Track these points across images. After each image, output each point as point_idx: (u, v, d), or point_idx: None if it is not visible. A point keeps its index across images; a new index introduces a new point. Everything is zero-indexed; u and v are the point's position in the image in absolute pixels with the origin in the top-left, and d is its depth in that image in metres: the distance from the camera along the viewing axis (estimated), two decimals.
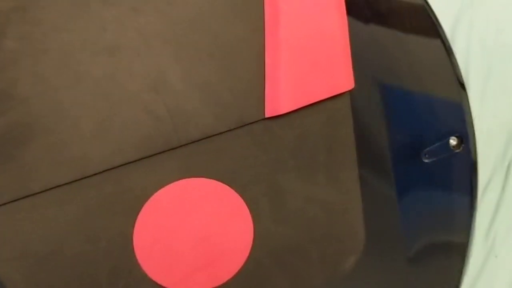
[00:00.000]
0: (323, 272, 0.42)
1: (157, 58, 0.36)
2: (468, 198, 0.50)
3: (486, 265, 0.67)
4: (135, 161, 0.37)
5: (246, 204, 0.39)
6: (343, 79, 0.39)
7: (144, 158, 0.37)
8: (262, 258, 0.40)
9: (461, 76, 0.49)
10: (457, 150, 0.47)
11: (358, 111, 0.43)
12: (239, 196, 0.39)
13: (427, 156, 0.47)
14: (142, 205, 0.37)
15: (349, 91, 0.40)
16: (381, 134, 0.48)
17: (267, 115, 0.38)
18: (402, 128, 0.48)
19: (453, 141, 0.48)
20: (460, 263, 0.52)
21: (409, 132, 0.49)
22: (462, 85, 0.49)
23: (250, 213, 0.40)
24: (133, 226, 0.37)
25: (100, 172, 0.36)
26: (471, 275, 0.66)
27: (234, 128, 0.38)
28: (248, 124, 0.38)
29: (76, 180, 0.36)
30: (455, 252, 0.52)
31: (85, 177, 0.36)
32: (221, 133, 0.38)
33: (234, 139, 0.38)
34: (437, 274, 0.52)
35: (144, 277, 0.38)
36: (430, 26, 0.51)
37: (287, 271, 0.41)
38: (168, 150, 0.37)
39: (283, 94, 0.38)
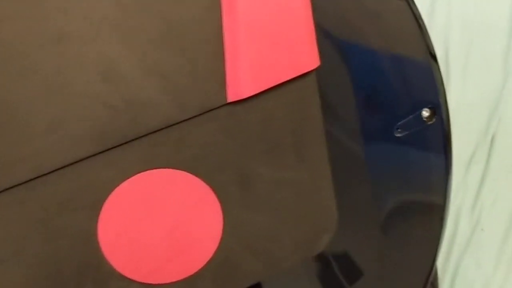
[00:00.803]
0: (297, 253, 0.41)
1: (107, 45, 0.34)
2: (442, 168, 0.49)
3: (472, 238, 0.66)
4: (93, 155, 0.35)
5: (214, 192, 0.38)
6: (307, 58, 0.38)
7: (102, 152, 0.35)
8: (233, 245, 0.39)
9: (432, 48, 0.47)
10: (430, 122, 0.46)
11: (325, 88, 0.41)
12: (206, 185, 0.38)
13: (399, 130, 0.46)
14: (105, 200, 0.36)
15: (315, 69, 0.38)
16: (350, 109, 0.46)
17: (229, 99, 0.37)
18: (372, 102, 0.47)
19: (425, 113, 0.46)
20: (438, 227, 0.52)
21: (380, 106, 0.47)
22: (433, 56, 0.48)
23: (219, 201, 0.38)
24: (97, 221, 0.36)
25: (56, 169, 0.35)
26: (458, 249, 0.65)
27: (196, 115, 0.36)
28: (210, 110, 0.37)
29: (31, 180, 0.34)
30: (431, 221, 0.51)
31: (40, 176, 0.34)
32: (182, 121, 0.36)
33: (197, 127, 0.37)
34: (415, 240, 0.52)
35: (113, 271, 0.37)
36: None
37: (260, 256, 0.40)
38: (127, 142, 0.36)
39: (245, 77, 0.36)
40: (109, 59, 0.35)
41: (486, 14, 0.63)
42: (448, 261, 0.61)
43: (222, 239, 0.39)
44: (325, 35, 0.43)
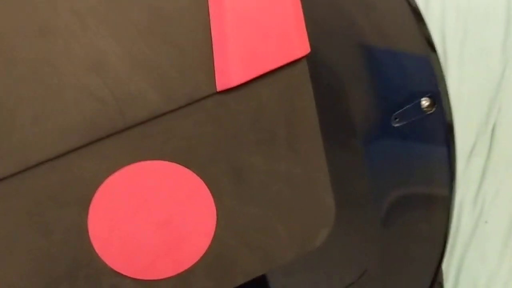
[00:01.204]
0: (294, 248, 0.40)
1: (94, 37, 0.34)
2: (445, 158, 0.47)
3: (476, 231, 0.65)
4: (81, 147, 0.35)
5: (206, 184, 0.38)
6: (297, 44, 0.37)
7: (90, 143, 0.35)
8: (227, 239, 0.39)
9: (430, 36, 0.46)
10: (430, 111, 0.45)
11: (319, 76, 0.41)
12: (197, 177, 0.37)
13: (397, 119, 0.45)
14: (94, 193, 0.35)
15: (306, 56, 0.38)
16: (346, 99, 0.46)
17: (218, 88, 0.36)
18: (368, 91, 0.46)
19: (425, 102, 0.45)
20: (443, 221, 0.50)
21: (377, 94, 0.46)
22: (431, 44, 0.47)
23: (211, 193, 0.38)
24: (87, 216, 0.36)
25: (44, 162, 0.34)
26: (462, 242, 0.64)
27: (185, 105, 0.36)
28: (199, 100, 0.36)
29: (19, 172, 0.34)
30: (435, 214, 0.50)
31: (28, 168, 0.34)
32: (170, 111, 0.36)
33: (186, 117, 0.36)
34: (419, 235, 0.51)
35: (105, 267, 0.36)
36: None
37: (256, 251, 0.39)
38: (115, 133, 0.35)
39: (233, 65, 0.36)
40: (97, 51, 0.34)
41: (482, 1, 0.62)
42: (452, 255, 0.60)
43: (215, 233, 0.38)
44: (317, 25, 0.43)
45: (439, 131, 0.47)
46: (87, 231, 0.36)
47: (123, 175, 0.36)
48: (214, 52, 0.36)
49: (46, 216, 0.35)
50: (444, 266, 0.49)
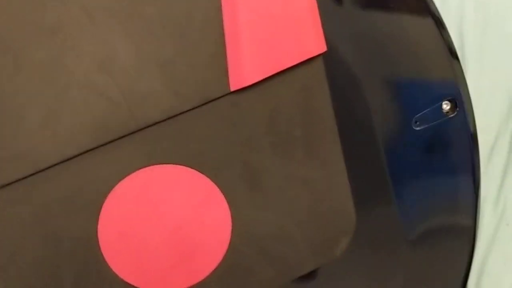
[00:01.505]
0: (312, 258, 0.38)
1: (104, 35, 0.33)
2: (469, 169, 0.45)
3: (497, 234, 0.62)
4: (91, 150, 0.33)
5: (220, 189, 0.36)
6: (313, 42, 0.36)
7: (100, 146, 0.34)
8: (243, 247, 0.37)
9: (451, 42, 0.45)
10: (451, 115, 0.43)
11: (337, 77, 0.39)
12: (211, 182, 0.36)
13: (418, 123, 0.43)
14: (104, 199, 0.34)
15: (322, 54, 0.36)
16: (364, 101, 0.44)
17: (232, 88, 0.35)
18: (388, 94, 0.44)
19: (446, 106, 0.43)
20: (468, 242, 0.48)
21: (397, 98, 0.44)
22: (452, 52, 0.45)
23: (226, 199, 0.36)
24: (97, 222, 0.34)
25: (53, 165, 0.33)
26: (483, 245, 0.61)
27: (198, 106, 0.35)
28: (212, 100, 0.35)
29: (27, 176, 0.33)
30: (462, 232, 0.47)
31: (37, 172, 0.33)
32: (183, 112, 0.35)
33: (199, 118, 0.35)
34: (443, 253, 0.48)
35: (115, 278, 0.35)
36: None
37: (272, 260, 0.37)
38: (126, 135, 0.34)
39: (247, 63, 0.35)
40: (107, 49, 0.33)
41: None
42: (473, 259, 0.54)
43: (231, 241, 0.36)
44: (335, 25, 0.41)
45: (461, 136, 0.45)
46: (97, 239, 0.34)
47: (134, 179, 0.35)
48: (227, 50, 0.35)
49: (54, 223, 0.33)
50: None
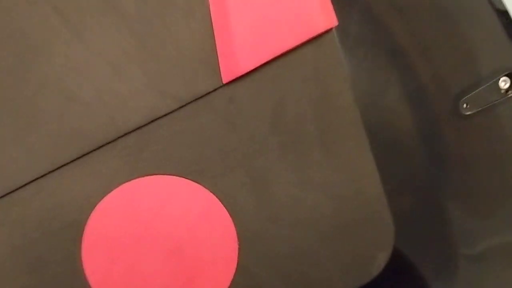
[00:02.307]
0: (343, 279, 0.31)
1: (78, 34, 0.29)
2: None
3: None
4: (68, 163, 0.29)
5: (221, 201, 0.30)
6: (320, 16, 0.29)
7: (78, 158, 0.29)
8: (254, 268, 0.31)
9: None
10: (511, 94, 0.34)
11: (362, 56, 0.32)
12: (210, 193, 0.30)
13: (467, 106, 0.34)
14: (87, 218, 0.30)
15: (332, 29, 0.30)
16: (398, 83, 0.36)
17: (225, 80, 0.29)
18: (428, 69, 0.36)
19: (503, 83, 0.34)
20: None
21: (442, 77, 0.36)
22: (507, 16, 0.36)
23: (228, 213, 0.30)
24: (80, 246, 0.30)
25: (27, 183, 0.29)
26: None
27: (187, 104, 0.29)
28: (204, 96, 0.30)
29: (1, 197, 0.29)
30: None
31: (9, 192, 0.29)
32: (170, 113, 0.29)
33: (190, 119, 0.30)
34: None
35: None
36: None
37: (292, 284, 0.31)
38: (107, 143, 0.29)
39: (240, 49, 0.29)
40: (80, 48, 0.29)
41: None
42: None
43: (239, 262, 0.31)
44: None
45: None
46: (81, 265, 0.30)
47: (119, 194, 0.30)
48: (216, 37, 0.29)
49: (33, 248, 0.29)
50: None
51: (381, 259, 0.32)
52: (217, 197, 0.30)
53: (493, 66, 0.35)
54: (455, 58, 0.36)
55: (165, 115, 0.29)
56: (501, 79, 0.34)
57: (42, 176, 0.29)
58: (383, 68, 0.36)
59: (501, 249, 0.37)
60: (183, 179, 0.30)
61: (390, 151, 0.35)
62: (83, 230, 0.30)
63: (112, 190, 0.30)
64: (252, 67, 0.29)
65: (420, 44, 0.37)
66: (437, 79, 0.36)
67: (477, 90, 0.34)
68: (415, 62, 0.37)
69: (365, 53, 0.36)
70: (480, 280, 0.37)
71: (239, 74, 0.29)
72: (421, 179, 0.37)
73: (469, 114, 0.35)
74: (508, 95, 0.34)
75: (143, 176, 0.30)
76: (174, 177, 0.30)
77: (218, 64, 0.29)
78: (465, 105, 0.34)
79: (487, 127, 0.36)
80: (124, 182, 0.30)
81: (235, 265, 0.31)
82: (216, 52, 0.29)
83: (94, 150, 0.29)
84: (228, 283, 0.31)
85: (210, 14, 0.29)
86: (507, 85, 0.34)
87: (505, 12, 0.36)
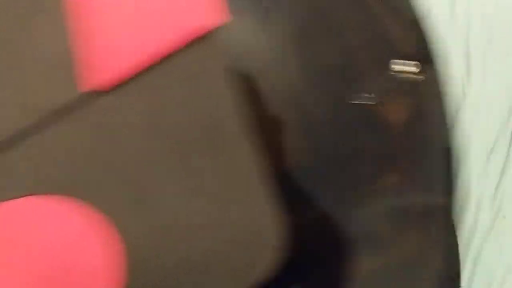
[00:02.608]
0: (234, 283, 0.30)
1: None
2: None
3: (494, 225, 0.62)
4: None
5: (100, 217, 0.28)
6: (207, 12, 0.27)
7: None
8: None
9: None
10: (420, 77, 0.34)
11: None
12: (88, 210, 0.28)
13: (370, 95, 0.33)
14: None
15: (213, 29, 0.28)
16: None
17: (92, 89, 0.27)
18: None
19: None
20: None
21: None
22: None
23: (110, 229, 0.28)
24: None
25: None
26: (480, 236, 0.61)
27: (51, 115, 0.27)
28: (69, 107, 0.27)
29: None
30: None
31: None
32: (34, 125, 0.27)
33: (57, 131, 0.27)
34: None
35: None
36: None
37: None
38: None
39: (107, 53, 0.27)
40: None
41: (509, 8, 0.61)
42: (468, 248, 0.58)
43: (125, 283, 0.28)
44: None
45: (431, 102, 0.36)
46: None
47: None
48: (79, 41, 0.27)
49: None
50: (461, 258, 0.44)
51: (273, 260, 0.31)
52: (95, 214, 0.28)
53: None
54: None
55: (29, 128, 0.27)
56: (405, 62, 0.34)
57: None
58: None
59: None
60: (56, 197, 0.27)
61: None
62: None
63: None
64: (124, 73, 0.27)
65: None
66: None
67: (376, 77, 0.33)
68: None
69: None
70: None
71: (108, 81, 0.27)
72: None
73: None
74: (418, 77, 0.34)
75: (12, 199, 0.27)
76: (46, 196, 0.27)
77: (84, 72, 0.27)
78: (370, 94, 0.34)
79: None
80: None
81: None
82: (79, 58, 0.27)
83: None
84: None
85: (73, 16, 0.27)
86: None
87: None
